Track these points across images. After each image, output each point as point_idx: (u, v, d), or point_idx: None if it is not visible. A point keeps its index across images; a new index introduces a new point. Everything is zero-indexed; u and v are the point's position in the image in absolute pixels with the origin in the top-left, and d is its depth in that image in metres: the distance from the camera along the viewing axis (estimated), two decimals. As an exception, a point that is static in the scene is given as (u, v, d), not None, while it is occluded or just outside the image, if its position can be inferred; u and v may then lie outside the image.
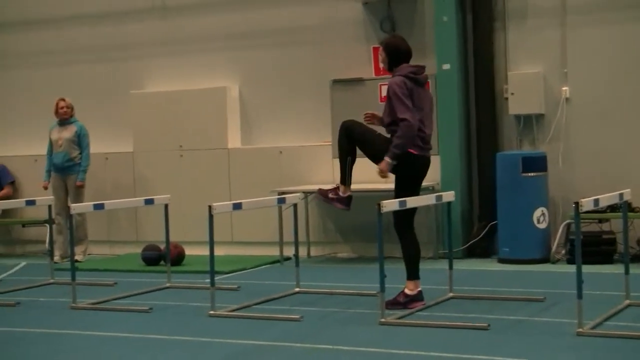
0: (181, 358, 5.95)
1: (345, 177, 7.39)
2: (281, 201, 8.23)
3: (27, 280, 9.39)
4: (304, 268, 8.54)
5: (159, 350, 6.21)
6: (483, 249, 9.99)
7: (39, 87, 12.03)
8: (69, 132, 10.72)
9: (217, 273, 7.52)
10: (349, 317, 7.00)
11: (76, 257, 9.61)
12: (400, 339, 6.19)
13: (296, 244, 8.21)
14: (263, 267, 9.93)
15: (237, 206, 7.61)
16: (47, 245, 10.81)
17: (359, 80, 10.35)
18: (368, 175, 10.20)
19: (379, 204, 6.53)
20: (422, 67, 7.28)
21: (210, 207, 7.10)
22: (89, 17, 11.87)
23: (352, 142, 7.31)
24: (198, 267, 9.56)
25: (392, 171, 7.18)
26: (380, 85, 10.21)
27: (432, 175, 10.02)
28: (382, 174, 7.17)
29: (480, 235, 9.94)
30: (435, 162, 9.96)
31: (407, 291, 7.21)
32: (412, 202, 7.15)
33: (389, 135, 7.21)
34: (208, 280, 7.44)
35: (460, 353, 5.69)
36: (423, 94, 7.20)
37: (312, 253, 10.55)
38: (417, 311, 7.00)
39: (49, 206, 9.48)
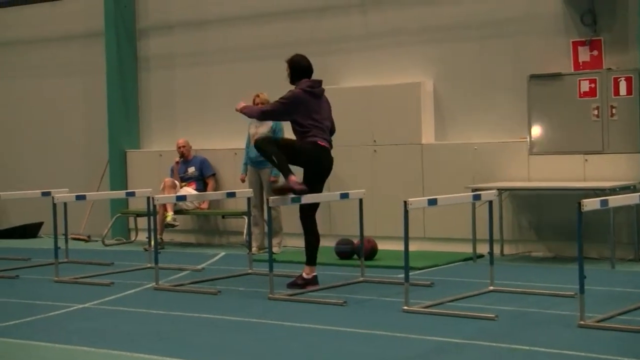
0: (376, 352, 5.99)
1: (284, 170, 8.33)
2: (476, 197, 8.15)
3: (226, 269, 9.73)
4: (498, 266, 8.41)
5: (354, 343, 6.29)
6: (688, 251, 9.54)
7: (239, 82, 12.39)
8: (265, 127, 10.98)
9: (410, 269, 7.52)
10: (546, 318, 6.84)
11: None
12: (600, 342, 5.99)
13: (491, 241, 8.11)
14: (455, 264, 9.86)
15: (432, 202, 7.58)
16: (244, 236, 11.17)
17: (557, 75, 10.08)
18: (565, 173, 10.01)
19: (579, 203, 6.34)
20: (319, 82, 8.51)
21: (405, 202, 7.12)
22: (285, 13, 12.14)
23: (275, 147, 8.33)
24: (390, 261, 9.62)
25: (303, 165, 8.37)
26: (580, 80, 9.92)
27: (632, 174, 9.66)
28: (240, 109, 8.60)
29: (686, 237, 9.49)
30: (636, 160, 9.63)
31: (304, 275, 8.35)
32: (615, 201, 6.92)
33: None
34: (401, 275, 7.47)
35: (665, 360, 5.46)
36: (320, 104, 8.47)
37: (506, 251, 10.38)
38: (618, 314, 6.72)
39: (248, 199, 9.78)
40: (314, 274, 8.40)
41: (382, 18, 11.48)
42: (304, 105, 8.31)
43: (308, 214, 8.42)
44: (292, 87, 8.47)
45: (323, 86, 8.58)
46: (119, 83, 13.18)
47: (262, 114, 8.72)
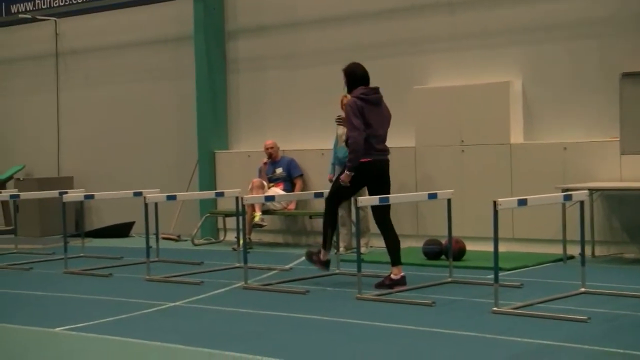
0: (466, 354, 5.96)
1: (326, 243, 8.74)
2: (567, 198, 8.03)
3: (314, 269, 9.76)
4: (589, 268, 8.26)
5: (443, 344, 6.27)
6: None
7: (326, 83, 12.40)
8: (352, 128, 10.99)
9: (500, 269, 7.45)
10: (640, 321, 6.72)
11: (360, 249, 9.87)
12: (697, 346, 5.86)
13: (582, 242, 7.98)
14: (545, 265, 9.73)
15: (522, 202, 7.50)
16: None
17: (651, 73, 9.87)
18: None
19: (675, 204, 6.19)
20: (375, 89, 8.57)
21: (495, 202, 7.06)
22: (374, 14, 12.14)
23: (334, 212, 8.79)
24: (479, 262, 9.54)
25: (360, 181, 8.54)
26: (674, 78, 9.69)
27: None
28: (344, 183, 8.48)
29: None
30: None
31: (392, 276, 8.39)
32: None
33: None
34: (490, 276, 7.41)
35: None
36: (375, 112, 8.50)
37: (597, 252, 10.19)
38: None
39: (335, 199, 9.79)
40: (402, 274, 8.43)
41: (470, 17, 11.39)
42: (362, 112, 8.41)
43: (381, 214, 8.54)
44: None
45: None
46: (208, 85, 13.38)
47: (354, 152, 8.40)
